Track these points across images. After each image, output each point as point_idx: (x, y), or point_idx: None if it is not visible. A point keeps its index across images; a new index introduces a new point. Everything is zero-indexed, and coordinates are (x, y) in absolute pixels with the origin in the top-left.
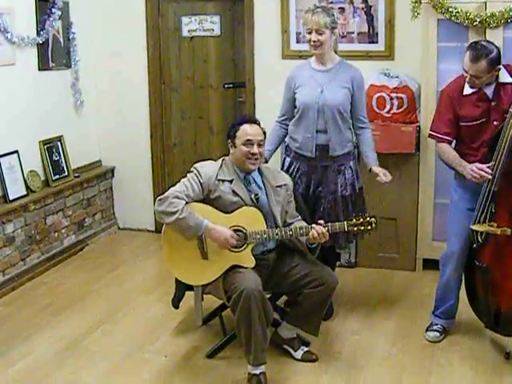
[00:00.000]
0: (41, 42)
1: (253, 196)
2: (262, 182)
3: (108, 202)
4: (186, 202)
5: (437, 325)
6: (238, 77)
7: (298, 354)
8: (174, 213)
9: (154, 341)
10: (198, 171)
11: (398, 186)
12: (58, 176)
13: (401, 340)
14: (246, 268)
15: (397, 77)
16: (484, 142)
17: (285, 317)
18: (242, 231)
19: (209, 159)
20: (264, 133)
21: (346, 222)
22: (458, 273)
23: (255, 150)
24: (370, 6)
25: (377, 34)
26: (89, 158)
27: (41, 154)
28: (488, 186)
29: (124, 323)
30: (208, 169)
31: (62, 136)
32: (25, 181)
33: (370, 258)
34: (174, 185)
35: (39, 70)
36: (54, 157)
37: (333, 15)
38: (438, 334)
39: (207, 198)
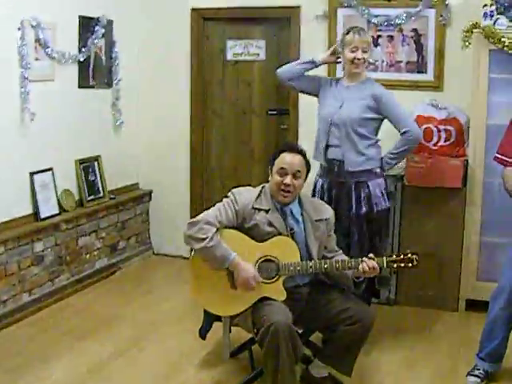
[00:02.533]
0: (82, 59)
1: (288, 230)
2: (302, 214)
3: (144, 225)
4: (217, 229)
5: (479, 369)
6: (282, 103)
7: None
8: (203, 239)
9: (177, 373)
10: (234, 197)
11: (443, 222)
12: (92, 196)
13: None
14: (276, 301)
15: (445, 108)
16: None
17: (317, 354)
18: (274, 261)
19: (248, 185)
20: (307, 164)
21: (384, 258)
22: (507, 310)
23: (288, 180)
24: (420, 35)
25: (426, 63)
26: (126, 180)
27: (76, 173)
28: None
29: (149, 352)
30: (245, 196)
31: (99, 156)
32: (58, 200)
33: (411, 296)
34: (208, 208)
35: (79, 87)
36: (89, 177)
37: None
38: (478, 380)
39: (241, 225)
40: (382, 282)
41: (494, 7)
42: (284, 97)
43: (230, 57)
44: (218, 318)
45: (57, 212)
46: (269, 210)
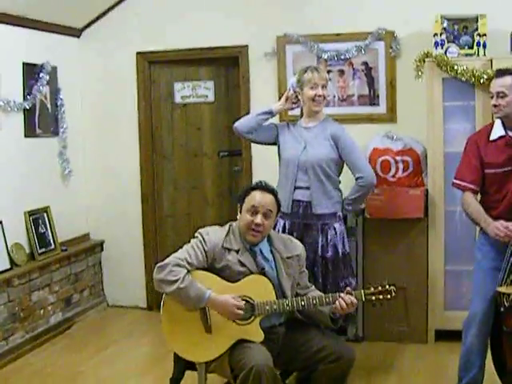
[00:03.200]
0: (27, 107)
1: (259, 269)
2: (271, 252)
3: (96, 277)
4: (188, 271)
5: None
6: (234, 145)
7: None
8: (175, 282)
9: None
10: (202, 237)
11: (407, 254)
12: (44, 249)
13: None
14: (253, 342)
15: (400, 139)
16: (508, 193)
17: None
18: (248, 302)
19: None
20: (278, 204)
21: (362, 291)
22: (481, 337)
23: (259, 220)
24: (371, 68)
25: (378, 96)
26: (77, 231)
27: (26, 226)
28: None
29: None
30: (214, 236)
31: (48, 207)
32: (9, 254)
33: (379, 330)
34: (176, 250)
35: (25, 136)
36: (40, 229)
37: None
38: None
39: (212, 266)
40: (349, 318)
41: (444, 36)
42: (235, 138)
43: (178, 100)
44: (190, 366)
45: (8, 267)
46: (239, 250)
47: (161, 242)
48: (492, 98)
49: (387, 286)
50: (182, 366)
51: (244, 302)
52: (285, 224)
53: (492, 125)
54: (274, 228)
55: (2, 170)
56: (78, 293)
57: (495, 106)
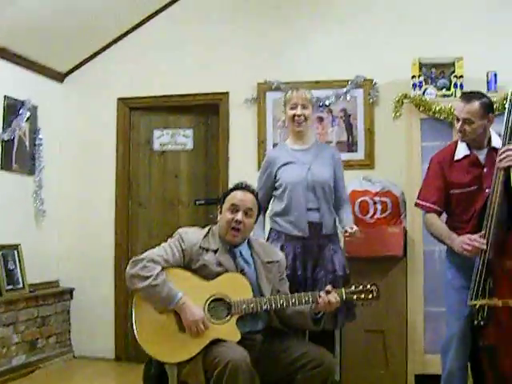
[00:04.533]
0: (5, 138)
1: (239, 271)
2: (252, 256)
3: (64, 325)
4: (163, 268)
5: None
6: (211, 193)
7: None
8: (147, 278)
9: None
10: (180, 236)
11: (385, 295)
12: (11, 286)
13: None
14: (229, 342)
15: (379, 182)
16: (475, 213)
17: None
18: (224, 300)
19: None
20: (259, 205)
21: (343, 290)
22: (461, 360)
23: (239, 217)
24: (349, 115)
25: (356, 142)
26: (46, 276)
27: None
28: (482, 256)
29: None
30: (192, 235)
31: (19, 245)
32: None
33: (357, 375)
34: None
35: (1, 168)
36: (9, 265)
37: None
38: None
39: (188, 266)
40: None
41: (422, 78)
42: (212, 186)
43: (156, 147)
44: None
45: None
46: (217, 250)
47: (133, 295)
48: (458, 121)
49: (368, 286)
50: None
51: (220, 301)
52: (295, 248)
53: (456, 144)
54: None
55: None
56: (43, 338)
57: (461, 131)
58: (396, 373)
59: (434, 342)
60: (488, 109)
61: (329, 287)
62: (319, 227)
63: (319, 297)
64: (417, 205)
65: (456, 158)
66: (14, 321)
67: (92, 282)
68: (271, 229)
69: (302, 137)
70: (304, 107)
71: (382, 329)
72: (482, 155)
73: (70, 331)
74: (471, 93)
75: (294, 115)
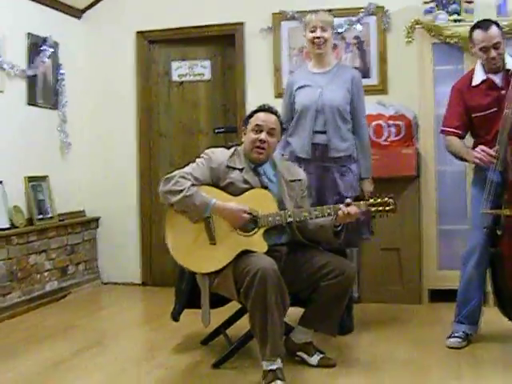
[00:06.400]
0: (31, 74)
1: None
2: (275, 175)
3: (92, 253)
4: (193, 184)
5: (458, 332)
6: (229, 122)
7: (314, 360)
8: (180, 191)
9: (150, 358)
10: (208, 156)
11: (399, 214)
12: (42, 216)
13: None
14: (257, 253)
15: (392, 106)
16: (497, 133)
17: (299, 320)
18: (252, 214)
19: None
20: (282, 125)
21: (362, 203)
22: (480, 268)
23: (263, 136)
24: (363, 41)
25: (370, 68)
26: (72, 206)
27: (26, 191)
28: (494, 168)
29: (116, 346)
30: (219, 155)
31: (47, 176)
32: (8, 214)
33: (374, 292)
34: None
35: (28, 104)
36: (39, 196)
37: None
38: (459, 340)
39: (216, 185)
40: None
41: (433, 4)
42: (231, 115)
43: (175, 78)
44: (191, 304)
45: (8, 226)
46: (243, 168)
47: (156, 220)
48: (485, 51)
49: (386, 199)
50: (183, 301)
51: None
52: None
53: (473, 71)
54: None
55: (4, 132)
56: (73, 265)
57: (494, 58)
58: (411, 288)
59: (447, 258)
60: (501, 28)
61: (348, 200)
62: (325, 149)
63: (339, 209)
64: (442, 132)
65: (474, 83)
66: (45, 248)
67: (117, 211)
68: (289, 150)
69: (322, 59)
70: (323, 30)
71: (397, 247)
72: (498, 79)
73: (97, 259)
74: (482, 21)
75: (314, 38)
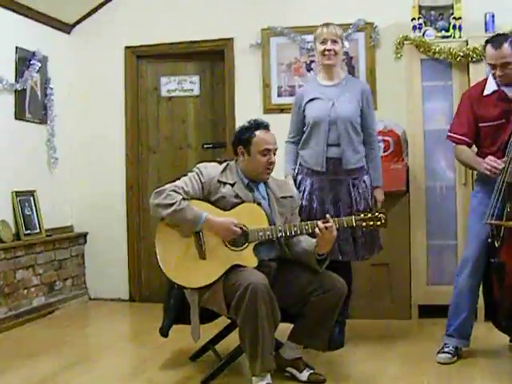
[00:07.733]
0: (19, 88)
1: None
2: (266, 192)
3: (79, 268)
4: (184, 198)
5: (448, 347)
6: (218, 137)
7: (304, 376)
8: (171, 204)
9: (139, 374)
10: (200, 170)
11: (389, 229)
12: (29, 231)
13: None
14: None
15: (381, 121)
16: (502, 144)
17: (289, 336)
18: (241, 229)
19: None
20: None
21: (353, 217)
22: (472, 281)
23: (274, 159)
24: (351, 57)
25: None
26: (60, 221)
27: (13, 206)
28: (501, 178)
29: (104, 362)
30: (211, 170)
31: (35, 191)
32: None
33: (363, 307)
34: None
35: (16, 118)
36: (26, 211)
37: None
38: (449, 356)
39: (206, 199)
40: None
41: (421, 20)
42: (219, 131)
43: (164, 93)
44: (179, 319)
45: None
46: (234, 183)
47: (145, 235)
48: (494, 68)
49: (377, 214)
50: (171, 317)
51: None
52: (312, 182)
53: (485, 80)
54: (299, 187)
55: None
56: (61, 280)
57: (501, 76)
58: (401, 304)
59: (436, 274)
60: None
61: (327, 216)
62: (338, 162)
63: (316, 225)
64: (448, 137)
65: (485, 93)
66: (32, 263)
67: (105, 226)
68: (299, 162)
69: (332, 72)
70: (334, 42)
71: (386, 262)
72: (510, 92)
73: (84, 274)
74: (496, 36)
75: (325, 50)
